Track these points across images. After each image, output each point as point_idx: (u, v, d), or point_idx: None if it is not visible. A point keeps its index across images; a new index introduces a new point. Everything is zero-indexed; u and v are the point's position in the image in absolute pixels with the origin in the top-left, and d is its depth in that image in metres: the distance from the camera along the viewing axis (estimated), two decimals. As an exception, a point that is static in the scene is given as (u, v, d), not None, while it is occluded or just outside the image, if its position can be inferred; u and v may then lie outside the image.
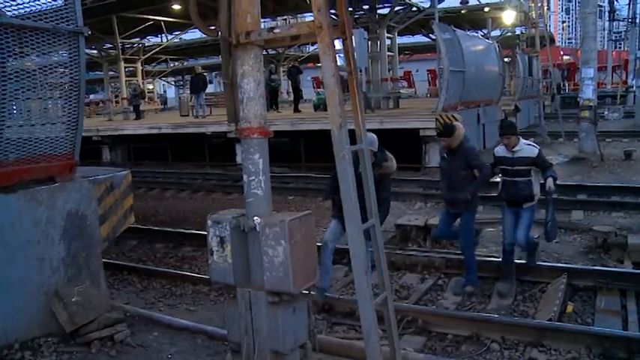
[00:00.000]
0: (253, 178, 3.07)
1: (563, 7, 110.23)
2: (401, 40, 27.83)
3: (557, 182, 5.58)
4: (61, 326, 4.36)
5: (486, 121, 16.14)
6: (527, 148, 5.47)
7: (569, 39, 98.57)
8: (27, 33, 4.45)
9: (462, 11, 23.66)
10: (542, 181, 5.56)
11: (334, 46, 2.70)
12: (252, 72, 3.00)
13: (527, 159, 5.42)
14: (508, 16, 22.73)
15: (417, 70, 42.74)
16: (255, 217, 3.04)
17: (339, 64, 2.87)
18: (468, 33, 19.69)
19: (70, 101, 4.98)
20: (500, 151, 5.59)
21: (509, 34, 27.74)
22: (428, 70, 39.91)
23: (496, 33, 27.13)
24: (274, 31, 2.93)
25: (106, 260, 5.78)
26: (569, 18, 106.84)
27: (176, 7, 19.45)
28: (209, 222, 3.17)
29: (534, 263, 5.86)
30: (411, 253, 6.78)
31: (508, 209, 5.70)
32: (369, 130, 3.45)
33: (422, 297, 5.72)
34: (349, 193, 2.73)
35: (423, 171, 13.15)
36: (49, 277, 4.51)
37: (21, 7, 4.73)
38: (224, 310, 3.60)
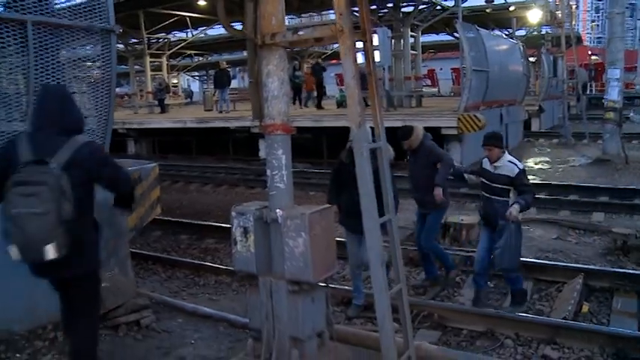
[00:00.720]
0: (276, 172, 3.19)
1: (593, 6, 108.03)
2: (425, 39, 27.65)
3: (529, 206, 5.00)
4: (91, 310, 4.57)
5: (509, 121, 16.04)
6: (508, 165, 4.94)
7: (598, 38, 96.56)
8: (63, 30, 4.66)
9: (487, 10, 23.46)
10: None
11: (355, 49, 2.81)
12: (277, 71, 3.13)
13: (505, 177, 4.92)
14: (534, 15, 22.44)
15: (441, 69, 42.37)
16: (278, 210, 3.15)
17: (361, 61, 2.95)
18: (492, 32, 19.55)
19: (102, 95, 5.20)
20: (486, 162, 5.15)
21: (534, 33, 27.39)
22: (452, 69, 39.54)
23: (521, 32, 26.81)
24: (298, 33, 3.06)
25: (132, 250, 5.96)
26: (599, 17, 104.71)
27: (202, 2, 19.71)
28: (233, 213, 3.28)
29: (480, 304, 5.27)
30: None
31: (484, 229, 5.32)
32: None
33: (439, 293, 5.82)
34: (367, 188, 2.84)
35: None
36: (80, 263, 4.70)
37: (58, 4, 4.96)
38: (246, 298, 3.75)
